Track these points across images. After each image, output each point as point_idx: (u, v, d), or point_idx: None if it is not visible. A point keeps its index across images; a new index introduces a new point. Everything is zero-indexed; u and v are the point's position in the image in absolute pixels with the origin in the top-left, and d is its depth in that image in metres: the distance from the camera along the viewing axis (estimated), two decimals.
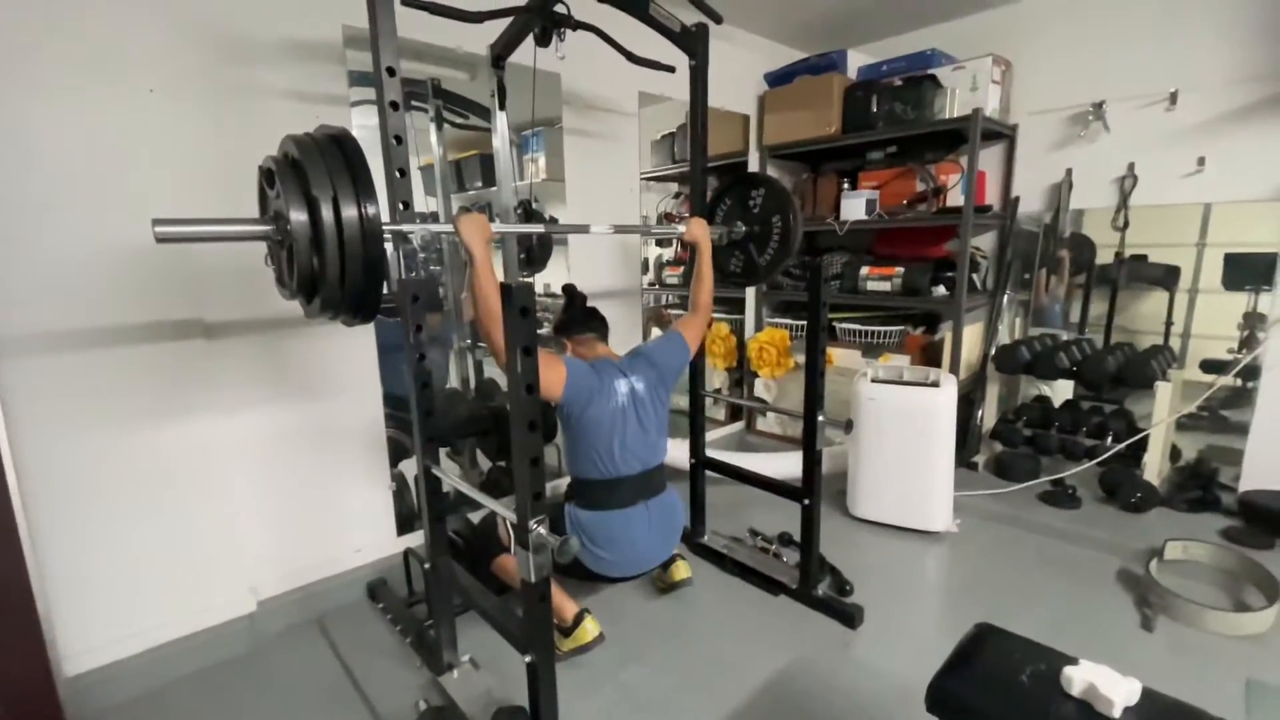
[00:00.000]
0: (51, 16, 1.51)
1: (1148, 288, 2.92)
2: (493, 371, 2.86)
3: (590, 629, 1.78)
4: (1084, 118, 2.87)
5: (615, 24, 1.94)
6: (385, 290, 1.37)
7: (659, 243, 4.08)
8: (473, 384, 2.87)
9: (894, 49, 3.25)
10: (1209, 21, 2.57)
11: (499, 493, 2.59)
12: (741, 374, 3.74)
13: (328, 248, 1.21)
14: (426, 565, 1.74)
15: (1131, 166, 2.80)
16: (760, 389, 3.64)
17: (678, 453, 2.40)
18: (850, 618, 1.95)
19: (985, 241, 3.26)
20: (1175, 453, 2.78)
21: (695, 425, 2.39)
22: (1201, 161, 2.64)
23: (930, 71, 2.97)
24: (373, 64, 1.41)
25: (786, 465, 2.78)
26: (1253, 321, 2.60)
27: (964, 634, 1.18)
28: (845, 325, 3.33)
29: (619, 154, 2.86)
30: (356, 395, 2.14)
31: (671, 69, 2.13)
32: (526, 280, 2.72)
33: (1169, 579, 2.05)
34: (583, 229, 1.91)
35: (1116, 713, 0.93)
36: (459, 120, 2.65)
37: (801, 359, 3.35)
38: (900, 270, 3.10)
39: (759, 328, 3.70)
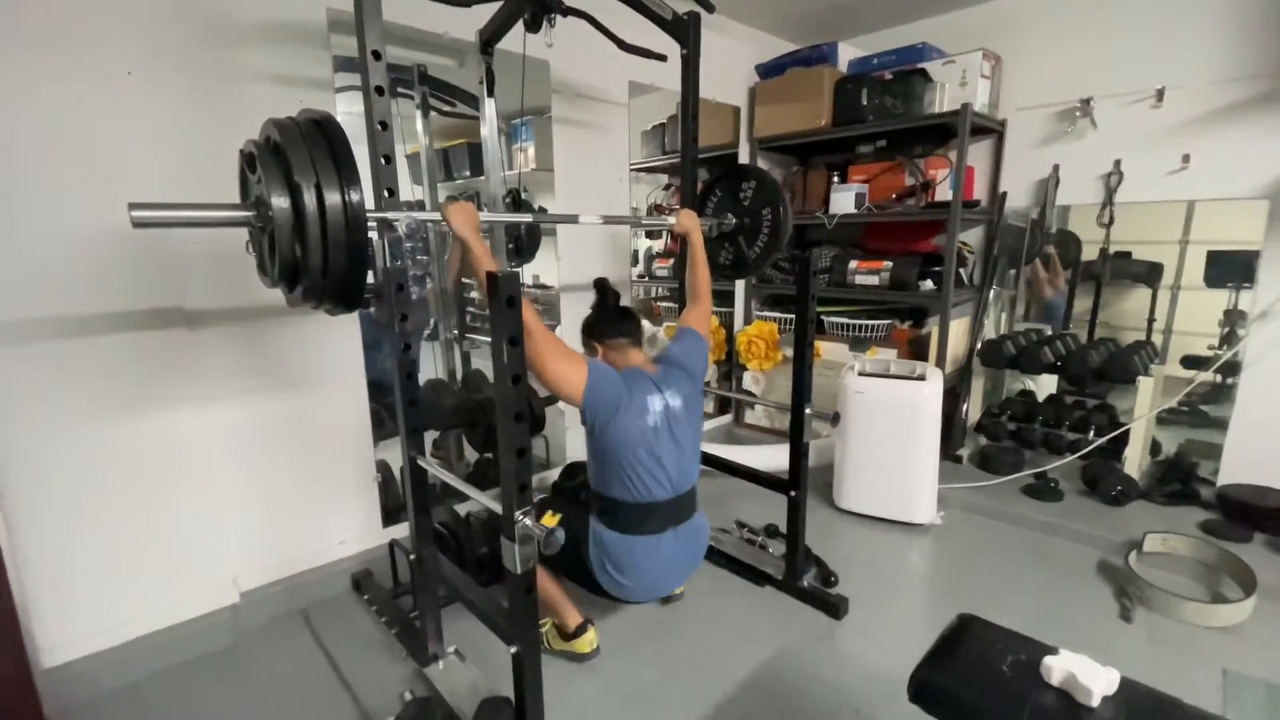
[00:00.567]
0: None
1: (1131, 284, 2.95)
2: (479, 363, 2.84)
3: (590, 640, 1.78)
4: (1072, 114, 2.88)
5: (607, 11, 1.93)
6: (370, 279, 1.36)
7: (648, 234, 4.06)
8: (459, 375, 2.85)
9: (885, 42, 3.24)
10: (1197, 20, 2.58)
11: (485, 484, 2.58)
12: (730, 367, 3.75)
13: (310, 234, 1.19)
14: (412, 556, 1.73)
15: (1118, 163, 2.82)
16: (748, 382, 3.64)
17: None
18: (835, 609, 1.96)
19: (973, 236, 3.28)
20: (1156, 447, 2.83)
21: None
22: (1186, 159, 2.66)
23: (921, 65, 2.97)
24: (358, 47, 1.38)
25: (773, 458, 2.79)
26: (1233, 318, 2.64)
27: (946, 625, 1.19)
28: (833, 319, 3.34)
29: (609, 144, 2.84)
30: (341, 385, 2.12)
31: (663, 57, 2.11)
32: (513, 269, 2.70)
33: (1148, 571, 2.08)
34: (571, 219, 1.90)
35: (1095, 702, 0.94)
36: (445, 108, 2.62)
37: (790, 352, 3.36)
38: (888, 264, 3.11)
39: (748, 321, 3.71)
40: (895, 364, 2.63)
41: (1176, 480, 2.61)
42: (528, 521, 1.20)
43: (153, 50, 1.64)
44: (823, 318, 3.35)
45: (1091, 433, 2.71)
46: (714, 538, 2.38)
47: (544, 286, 2.81)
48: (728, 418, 3.86)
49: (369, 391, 2.19)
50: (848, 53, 3.27)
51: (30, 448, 1.59)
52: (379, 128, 1.42)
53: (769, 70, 3.41)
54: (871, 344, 3.21)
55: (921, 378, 2.50)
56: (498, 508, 1.24)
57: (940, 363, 2.89)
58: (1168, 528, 2.29)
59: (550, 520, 1.61)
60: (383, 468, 2.30)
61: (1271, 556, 2.18)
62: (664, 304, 4.06)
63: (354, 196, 1.22)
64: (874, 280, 3.15)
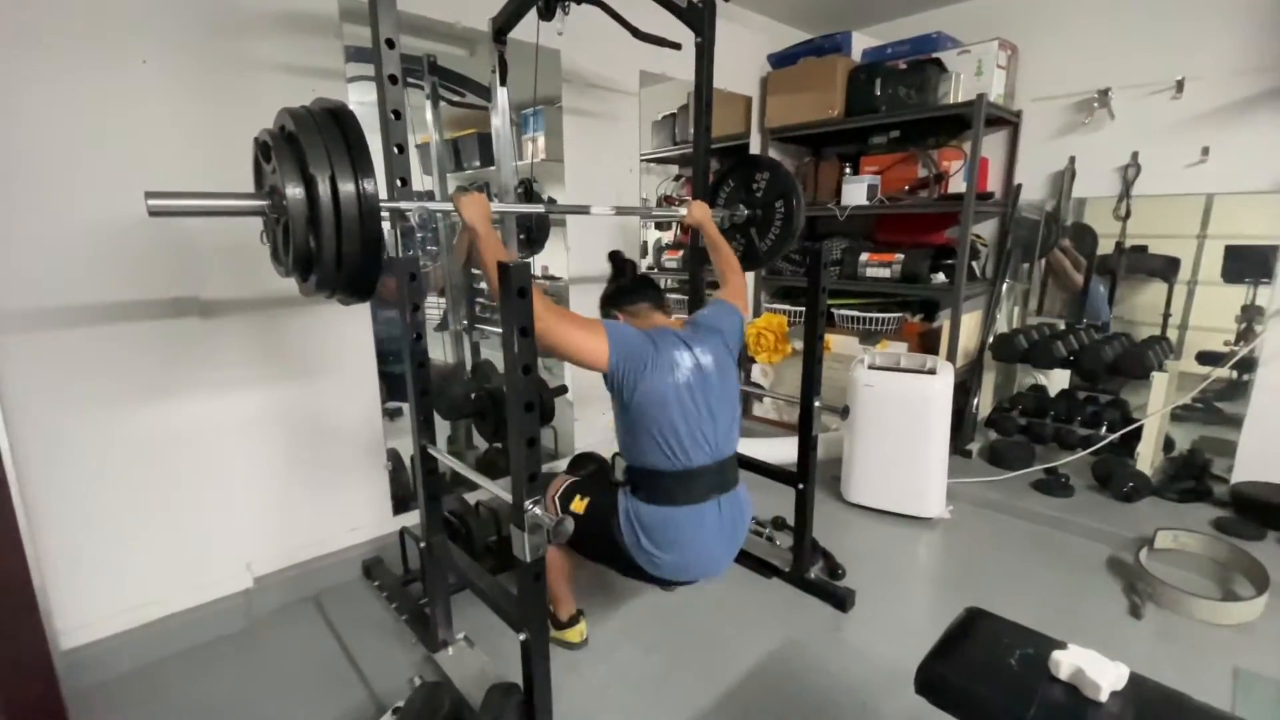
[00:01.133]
0: None
1: (1147, 278, 2.91)
2: (489, 353, 2.85)
3: (580, 631, 1.81)
4: (1089, 105, 2.84)
5: None
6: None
7: (658, 226, 4.05)
8: (469, 365, 2.87)
9: (899, 31, 3.20)
10: (1217, 9, 2.53)
11: (494, 474, 2.59)
12: (739, 359, 3.74)
13: (324, 224, 1.20)
14: (422, 544, 1.75)
15: (1135, 155, 2.78)
16: (757, 374, 3.64)
17: None
18: (842, 601, 1.96)
19: (986, 229, 3.25)
20: (1169, 443, 2.80)
21: None
22: (1205, 152, 2.62)
23: (935, 55, 2.93)
24: (371, 36, 1.38)
25: (781, 450, 2.79)
26: (1251, 314, 2.60)
27: (954, 618, 1.19)
28: (844, 311, 3.32)
29: (619, 134, 2.83)
30: (353, 374, 2.14)
31: (678, 45, 2.09)
32: (523, 259, 2.70)
33: (1159, 567, 2.07)
34: (582, 210, 1.89)
35: (1103, 697, 0.94)
36: (455, 98, 2.62)
37: (799, 345, 3.35)
38: (900, 257, 3.08)
39: (757, 313, 3.69)
40: (906, 357, 2.61)
41: (1190, 477, 2.59)
42: (537, 510, 1.21)
43: (167, 39, 1.65)
44: (833, 310, 3.33)
45: (1104, 428, 2.69)
46: None
47: (553, 278, 2.81)
48: None
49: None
50: (861, 42, 3.23)
51: (49, 433, 1.61)
52: (392, 116, 1.42)
53: (781, 60, 3.38)
54: (882, 337, 3.20)
55: (932, 371, 2.49)
56: (508, 496, 1.25)
57: (951, 356, 2.87)
58: (1180, 525, 2.27)
59: (579, 505, 1.61)
60: (393, 456, 2.32)
61: None
62: (674, 296, 4.05)
63: (368, 187, 1.22)
64: (885, 273, 3.13)
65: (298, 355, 2.01)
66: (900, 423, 2.49)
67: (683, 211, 1.99)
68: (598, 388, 1.57)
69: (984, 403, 3.10)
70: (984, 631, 1.14)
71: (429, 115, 2.59)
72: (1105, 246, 2.95)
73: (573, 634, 1.80)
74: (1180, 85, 2.63)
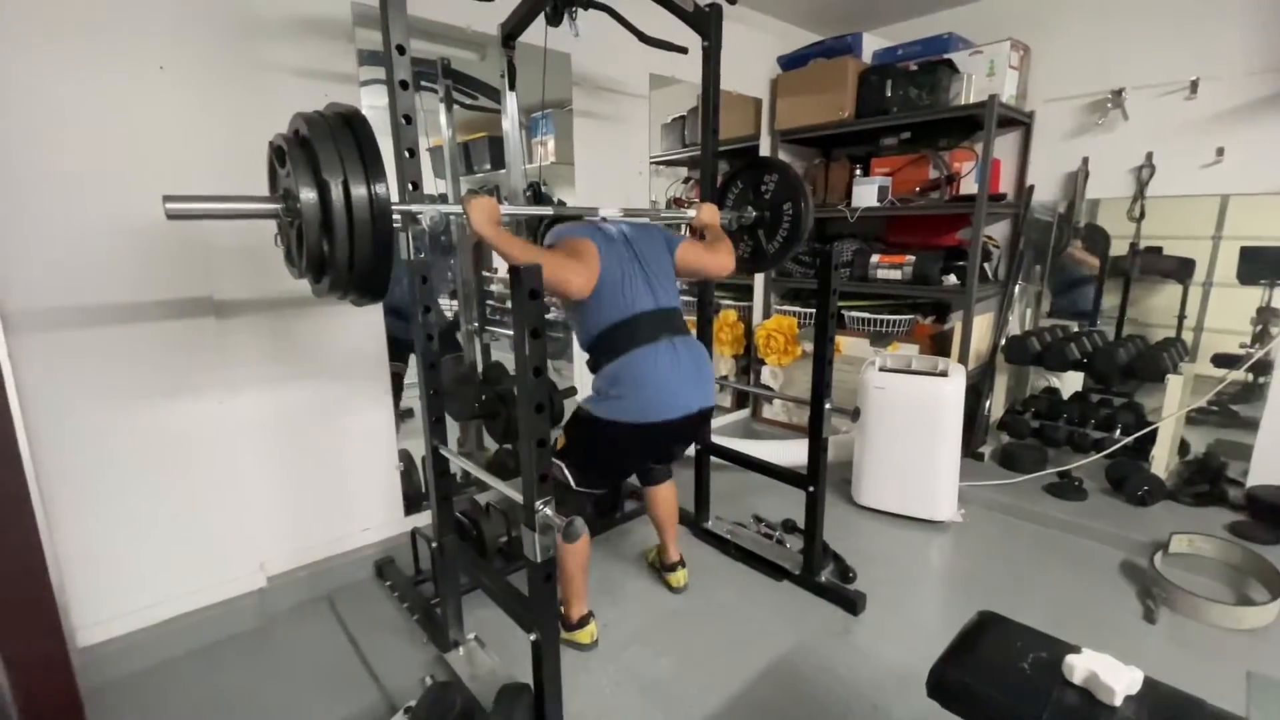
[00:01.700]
0: None
1: (1161, 280, 2.88)
2: (499, 355, 2.87)
3: (591, 632, 1.81)
4: (1103, 105, 2.82)
5: (628, 3, 1.92)
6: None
7: (667, 228, 4.05)
8: (480, 367, 2.88)
9: (910, 32, 3.19)
10: (1232, 9, 2.51)
11: (504, 475, 2.60)
12: (748, 361, 3.74)
13: (337, 227, 1.21)
14: (433, 544, 1.76)
15: (1150, 156, 2.75)
16: (767, 376, 3.63)
17: None
18: (853, 604, 1.96)
19: (998, 230, 3.23)
20: (1184, 447, 2.77)
21: None
22: (1221, 152, 2.59)
23: (946, 56, 2.92)
24: (382, 41, 1.40)
25: (791, 453, 2.78)
26: (1266, 316, 2.57)
27: (966, 621, 1.19)
28: (854, 314, 3.31)
29: (629, 137, 2.84)
30: (365, 375, 2.15)
31: (684, 50, 2.10)
32: (534, 262, 2.71)
33: (1173, 572, 2.04)
34: (591, 212, 1.90)
35: (1117, 701, 0.93)
36: (468, 101, 2.63)
37: (809, 347, 3.34)
38: (911, 258, 3.07)
39: (767, 315, 3.69)
40: (917, 360, 2.60)
41: (1205, 481, 2.56)
42: (548, 511, 1.22)
43: (183, 45, 1.68)
44: (843, 312, 3.32)
45: (1118, 431, 2.67)
46: (730, 531, 2.39)
47: None
48: (745, 412, 3.85)
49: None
50: (872, 43, 3.22)
51: (67, 432, 1.64)
52: (403, 121, 1.43)
53: (791, 61, 3.38)
54: (893, 339, 3.19)
55: (944, 374, 2.47)
56: (518, 497, 1.26)
57: (963, 359, 2.86)
58: (1194, 529, 2.25)
59: (561, 440, 1.76)
60: (405, 457, 2.33)
61: None
62: (682, 298, 4.05)
63: (380, 190, 1.23)
64: (896, 275, 3.12)
65: (310, 355, 2.03)
66: (911, 425, 2.47)
67: (691, 213, 2.00)
68: None
69: (996, 405, 3.08)
70: (997, 635, 1.14)
71: (443, 118, 2.61)
72: (1119, 248, 2.92)
73: (583, 635, 1.80)
74: (1195, 85, 2.60)
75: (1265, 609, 1.85)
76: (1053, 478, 2.70)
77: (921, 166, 3.11)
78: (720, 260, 1.90)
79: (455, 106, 2.62)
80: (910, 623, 1.93)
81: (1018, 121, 3.02)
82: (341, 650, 1.85)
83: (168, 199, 1.13)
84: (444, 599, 1.76)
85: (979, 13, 3.13)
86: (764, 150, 3.50)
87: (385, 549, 2.24)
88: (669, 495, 2.05)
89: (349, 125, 1.25)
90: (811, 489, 2.03)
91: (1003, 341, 3.01)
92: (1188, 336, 2.79)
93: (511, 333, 1.21)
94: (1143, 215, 2.82)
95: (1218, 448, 2.72)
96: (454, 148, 2.73)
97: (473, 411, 2.48)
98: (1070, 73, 2.91)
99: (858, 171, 3.28)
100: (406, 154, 1.46)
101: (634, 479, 2.09)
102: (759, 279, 3.68)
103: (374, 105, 1.87)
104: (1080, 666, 0.97)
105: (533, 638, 1.32)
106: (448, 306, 2.84)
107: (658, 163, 3.77)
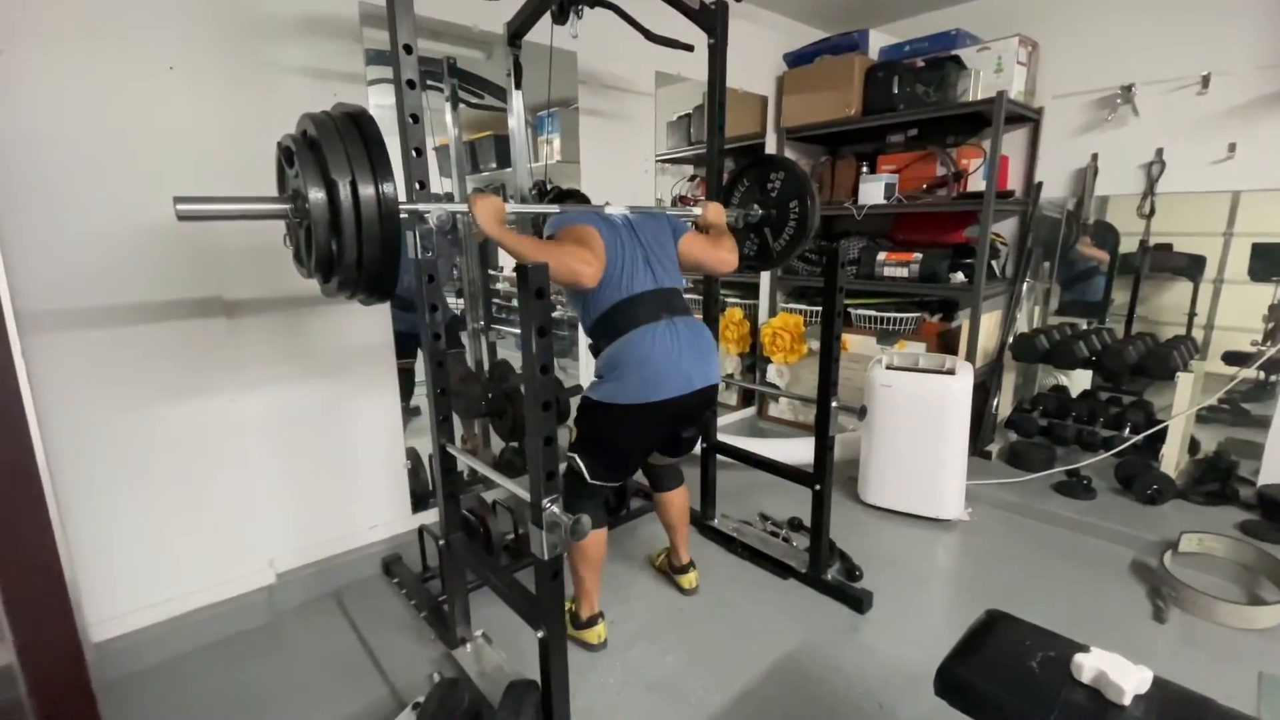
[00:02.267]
0: None
1: (1171, 277, 2.86)
2: (505, 353, 2.88)
3: (599, 633, 1.81)
4: (1112, 101, 2.80)
5: (634, 0, 1.92)
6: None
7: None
8: (486, 366, 2.89)
9: (917, 29, 3.18)
10: (1244, 3, 2.48)
11: (511, 472, 2.61)
12: (754, 359, 3.73)
13: (345, 226, 1.22)
14: (441, 542, 1.77)
15: (1160, 152, 2.73)
16: (773, 375, 3.63)
17: None
18: (859, 602, 1.95)
19: (1006, 228, 3.21)
20: (1194, 445, 2.75)
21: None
22: (1232, 148, 2.57)
23: (954, 52, 2.91)
24: (389, 40, 1.40)
25: (797, 451, 2.78)
26: (1278, 314, 2.55)
27: (974, 620, 1.18)
28: (861, 311, 3.30)
29: (634, 135, 2.84)
30: (372, 373, 2.16)
31: (690, 47, 2.10)
32: (541, 260, 2.72)
33: (1183, 571, 2.03)
34: (597, 210, 1.90)
35: (1126, 700, 0.93)
36: (474, 100, 2.64)
37: (815, 345, 3.33)
38: (918, 256, 3.06)
39: (773, 313, 3.68)
40: (924, 357, 2.59)
41: (1215, 479, 2.54)
42: (555, 508, 1.22)
43: (192, 45, 1.69)
44: (850, 310, 3.31)
45: (1127, 430, 2.65)
46: (737, 529, 2.39)
47: None
48: (751, 410, 3.85)
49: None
50: (879, 40, 3.21)
51: (80, 430, 1.65)
52: (410, 120, 1.44)
53: (797, 59, 3.36)
54: (900, 337, 3.17)
55: (951, 372, 2.46)
56: (525, 494, 1.27)
57: (970, 357, 2.84)
58: (1205, 528, 2.23)
59: (574, 435, 1.77)
60: (412, 455, 2.35)
61: None
62: (688, 297, 4.05)
63: (387, 190, 1.24)
64: (903, 272, 3.11)
65: (319, 354, 2.04)
66: (918, 423, 2.47)
67: (697, 211, 2.00)
68: None
69: (1004, 403, 3.06)
70: (1005, 634, 1.14)
71: (449, 117, 2.61)
72: (1129, 245, 2.90)
73: (591, 635, 1.81)
74: (1206, 80, 2.58)
75: (1276, 609, 1.84)
76: (1061, 476, 2.69)
77: (929, 163, 3.10)
78: (723, 257, 1.89)
79: (461, 105, 2.62)
80: (917, 621, 1.93)
81: (1026, 118, 3.00)
82: (350, 647, 1.86)
83: (178, 200, 1.14)
84: (451, 596, 1.77)
85: (987, 8, 3.11)
86: (770, 148, 3.49)
87: (393, 546, 2.25)
88: (681, 501, 2.04)
89: (356, 125, 1.26)
90: (818, 487, 2.03)
91: (1010, 339, 3.00)
92: (1198, 334, 2.77)
93: (518, 331, 1.22)
94: (1153, 212, 2.80)
95: (1228, 446, 2.69)
96: (460, 147, 2.73)
97: (479, 410, 2.49)
98: (1079, 68, 2.89)
99: (864, 169, 3.26)
100: (413, 153, 1.46)
101: (644, 479, 2.08)
102: (765, 277, 3.67)
103: (381, 104, 1.88)
104: (1089, 666, 0.97)
105: (540, 635, 1.32)
106: (454, 305, 2.85)
107: (663, 161, 3.77)
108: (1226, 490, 2.50)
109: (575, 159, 2.66)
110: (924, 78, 2.92)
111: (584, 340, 1.79)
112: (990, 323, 3.00)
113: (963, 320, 3.00)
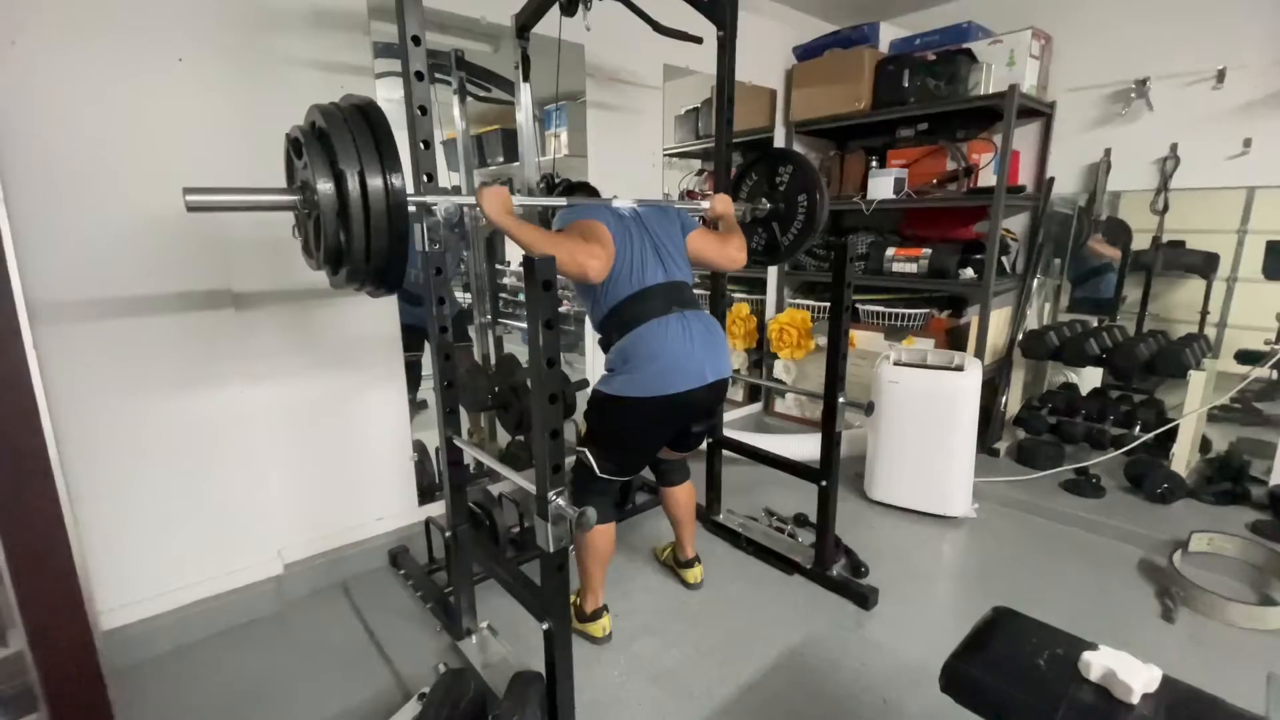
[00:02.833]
0: None
1: (1184, 275, 2.83)
2: (512, 347, 2.88)
3: (604, 626, 1.81)
4: (1126, 95, 2.76)
5: None
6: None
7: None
8: (493, 359, 2.89)
9: (928, 22, 3.15)
10: None
11: (517, 465, 2.62)
12: (761, 355, 3.72)
13: (354, 218, 1.22)
14: (447, 534, 1.78)
15: (1174, 147, 2.70)
16: (779, 370, 3.62)
17: None
18: (865, 598, 1.95)
19: (1016, 223, 3.18)
20: (1206, 444, 2.72)
21: None
22: (1248, 143, 2.53)
23: (966, 45, 2.88)
24: (398, 33, 1.40)
25: (804, 447, 2.78)
26: None
27: (981, 617, 1.18)
28: (869, 307, 3.29)
29: (642, 128, 2.83)
30: (380, 366, 2.17)
31: (699, 40, 2.08)
32: (549, 252, 2.72)
33: (1193, 571, 2.02)
34: (606, 204, 1.89)
35: (1135, 699, 0.92)
36: (482, 93, 2.63)
37: (822, 341, 3.31)
38: (927, 251, 3.04)
39: (780, 309, 3.67)
40: (932, 354, 2.58)
41: (1226, 479, 2.52)
42: (560, 501, 1.22)
43: (202, 38, 1.69)
44: (858, 305, 3.30)
45: (1137, 428, 2.63)
46: (742, 524, 2.38)
47: None
48: (757, 406, 3.84)
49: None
50: (889, 33, 3.18)
51: (91, 421, 1.67)
52: (418, 113, 1.44)
53: (807, 52, 3.34)
54: (908, 333, 3.16)
55: (959, 368, 2.45)
56: (532, 488, 1.27)
57: (979, 353, 2.83)
58: (1215, 527, 2.21)
59: (584, 427, 1.77)
60: (419, 447, 2.35)
61: None
62: (695, 291, 4.04)
63: (395, 181, 1.24)
64: (912, 268, 3.09)
65: (327, 346, 2.05)
66: (926, 420, 2.45)
67: (705, 205, 1.99)
68: None
69: (1013, 400, 3.04)
70: (1012, 631, 1.13)
71: (456, 111, 2.61)
72: (1141, 241, 2.87)
73: (595, 628, 1.81)
74: (1221, 75, 2.54)
75: None
76: (1070, 474, 2.67)
77: (939, 158, 3.07)
78: (730, 254, 1.87)
79: (469, 99, 2.62)
80: (923, 618, 1.92)
81: (1038, 112, 2.97)
82: (356, 637, 1.88)
83: (188, 191, 1.14)
84: (457, 588, 1.78)
85: (999, 1, 3.08)
86: (779, 142, 3.47)
87: (399, 538, 2.27)
88: (686, 496, 2.03)
89: (365, 116, 1.26)
90: (824, 483, 2.02)
91: (1020, 336, 2.98)
92: (1210, 332, 2.74)
93: (525, 325, 1.21)
94: (1166, 208, 2.77)
95: (1240, 445, 2.67)
96: (468, 140, 2.73)
97: (486, 403, 2.50)
98: (1093, 62, 2.86)
99: (874, 163, 3.24)
100: (422, 145, 1.46)
101: (650, 474, 2.08)
102: (772, 272, 3.65)
103: (389, 98, 1.88)
104: (1097, 664, 0.96)
105: (545, 627, 1.33)
106: (462, 299, 2.85)
107: (671, 154, 3.75)
108: (1238, 490, 2.48)
109: (583, 153, 2.65)
110: (935, 71, 2.89)
111: (590, 335, 1.79)
112: (1000, 319, 2.98)
113: (972, 316, 2.98)
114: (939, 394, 2.42)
